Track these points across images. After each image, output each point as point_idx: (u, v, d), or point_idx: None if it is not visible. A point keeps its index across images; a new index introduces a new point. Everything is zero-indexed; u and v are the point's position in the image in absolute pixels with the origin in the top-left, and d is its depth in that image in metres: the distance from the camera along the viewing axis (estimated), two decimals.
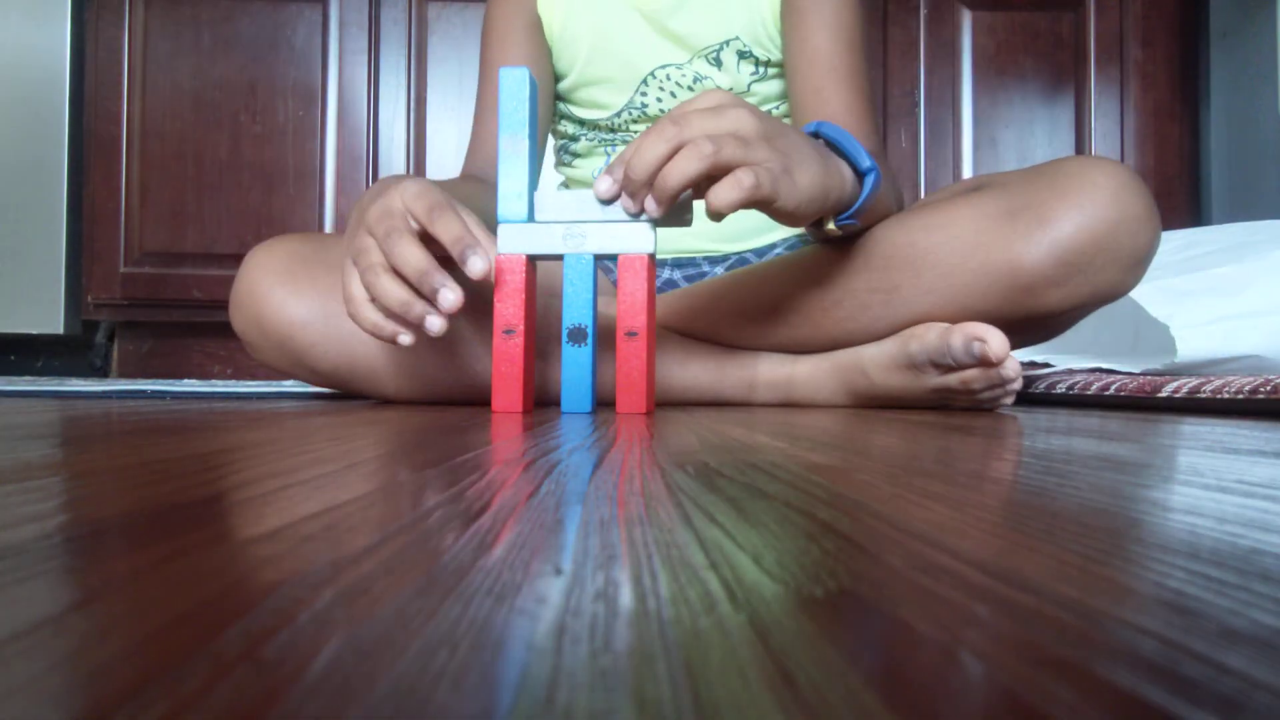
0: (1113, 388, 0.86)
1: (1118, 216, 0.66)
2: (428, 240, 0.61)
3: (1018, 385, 0.70)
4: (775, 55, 0.89)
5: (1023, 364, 1.10)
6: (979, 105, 1.76)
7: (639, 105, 0.91)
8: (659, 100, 0.91)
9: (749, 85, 0.91)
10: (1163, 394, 0.79)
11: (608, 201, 0.61)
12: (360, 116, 1.74)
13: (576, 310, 0.63)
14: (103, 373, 1.77)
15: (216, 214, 1.72)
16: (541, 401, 0.76)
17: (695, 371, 0.78)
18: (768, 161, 0.55)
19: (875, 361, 0.74)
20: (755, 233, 0.93)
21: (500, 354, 0.63)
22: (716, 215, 0.55)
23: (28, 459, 0.29)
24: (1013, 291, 0.68)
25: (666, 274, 0.93)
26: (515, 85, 0.64)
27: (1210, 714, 0.09)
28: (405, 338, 0.61)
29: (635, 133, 0.93)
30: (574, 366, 0.63)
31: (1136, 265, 0.68)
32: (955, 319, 0.70)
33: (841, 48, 0.82)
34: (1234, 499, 0.23)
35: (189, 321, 1.74)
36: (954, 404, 0.72)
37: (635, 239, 0.63)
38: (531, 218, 0.64)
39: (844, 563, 0.15)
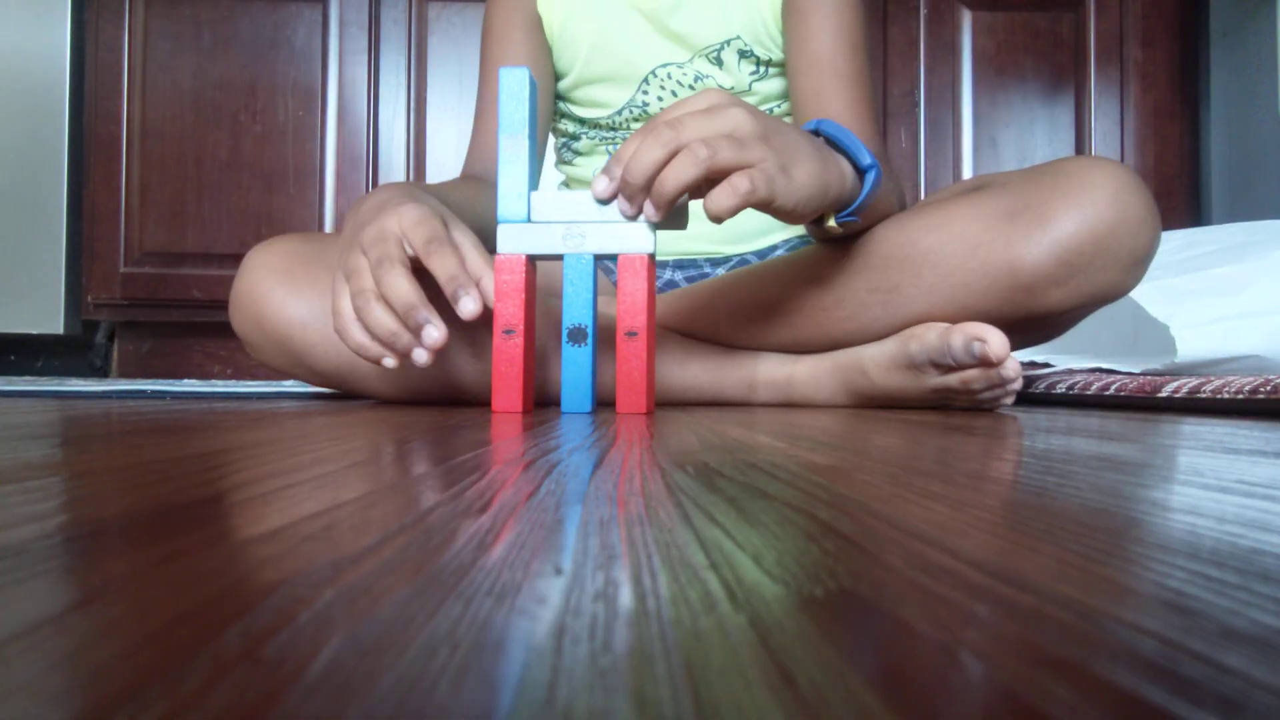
0: (1113, 388, 0.86)
1: (1118, 216, 0.66)
2: (422, 269, 0.61)
3: (1018, 385, 0.70)
4: (776, 55, 0.89)
5: (1023, 364, 1.10)
6: (979, 105, 1.76)
7: (640, 104, 0.92)
8: (660, 99, 0.91)
9: (750, 84, 0.91)
10: (1163, 394, 0.79)
11: (605, 202, 0.61)
12: (360, 116, 1.74)
13: (576, 310, 0.63)
14: (103, 373, 1.77)
15: (216, 214, 1.72)
16: (541, 401, 0.76)
17: (695, 371, 0.78)
18: (764, 161, 0.55)
19: (875, 361, 0.74)
20: (757, 234, 0.93)
21: (500, 354, 0.63)
22: (715, 220, 0.55)
23: (28, 459, 0.29)
24: (1013, 291, 0.68)
25: (668, 275, 0.93)
26: (515, 85, 0.64)
27: (1210, 714, 0.09)
28: (389, 361, 0.62)
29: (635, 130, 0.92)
30: (574, 366, 0.63)
31: (1136, 265, 0.68)
32: (955, 319, 0.70)
33: (843, 49, 0.82)
34: (1234, 499, 0.23)
35: (189, 321, 1.74)
36: (954, 404, 0.72)
37: (635, 239, 0.63)
38: (531, 218, 0.64)
39: (844, 563, 0.15)
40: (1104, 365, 1.01)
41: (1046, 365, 1.10)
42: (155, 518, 0.19)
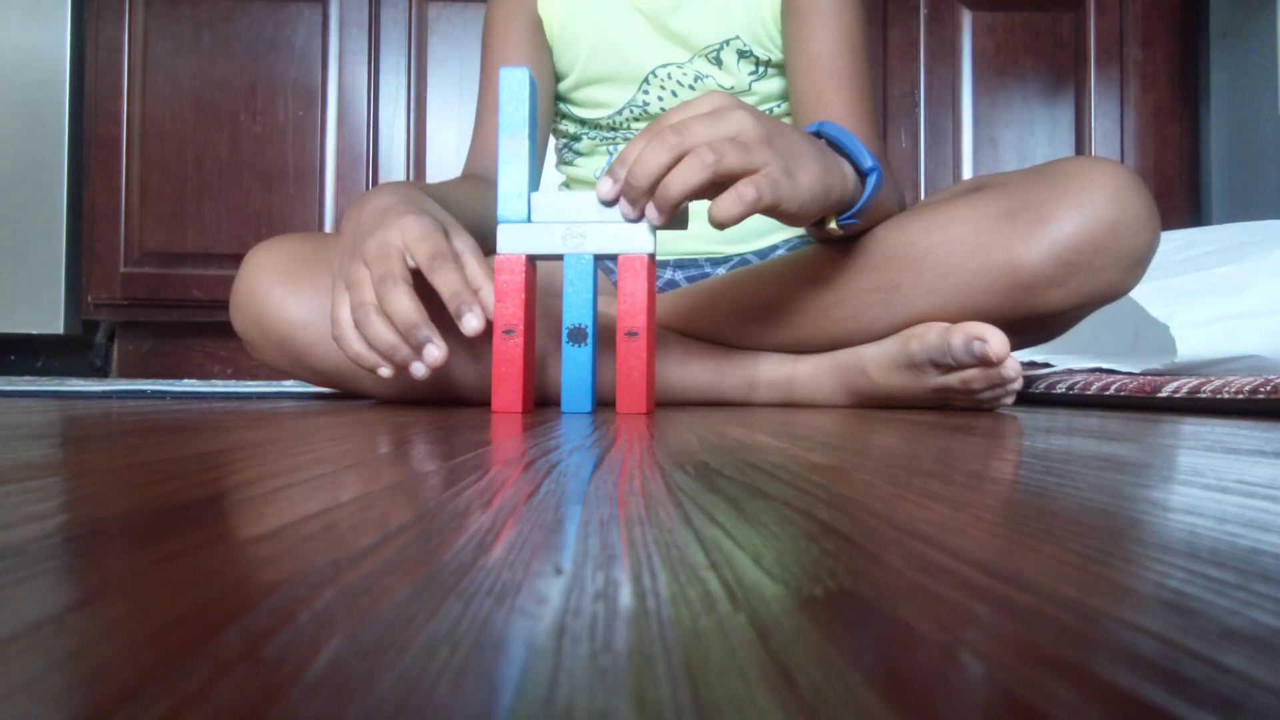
0: (1113, 388, 0.86)
1: (1118, 216, 0.66)
2: (424, 280, 0.61)
3: (1018, 385, 0.70)
4: (775, 55, 0.89)
5: (1023, 364, 1.10)
6: (979, 105, 1.76)
7: (640, 104, 0.92)
8: (660, 99, 0.91)
9: (749, 84, 0.91)
10: (1163, 394, 0.79)
11: (609, 203, 0.61)
12: (360, 116, 1.74)
13: (576, 310, 0.63)
14: (103, 373, 1.77)
15: (216, 214, 1.72)
16: (541, 401, 0.76)
17: (695, 371, 0.78)
18: (769, 165, 0.55)
19: (875, 361, 0.74)
20: (757, 235, 0.93)
21: (500, 354, 0.63)
22: (720, 227, 0.55)
23: (28, 459, 0.29)
24: (1013, 291, 0.68)
25: (669, 275, 0.93)
26: (515, 85, 0.65)
27: (1210, 714, 0.09)
28: (385, 371, 0.62)
29: (636, 132, 0.92)
30: (574, 366, 0.63)
31: (1136, 265, 0.68)
32: (956, 319, 0.70)
33: (843, 50, 0.82)
34: (1234, 499, 0.23)
35: (189, 321, 1.74)
36: (954, 404, 0.72)
37: (635, 239, 0.63)
38: (531, 218, 0.64)
39: (844, 562, 0.15)
40: (1104, 365, 1.01)
41: (1046, 365, 1.10)
42: (155, 518, 0.19)
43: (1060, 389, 0.93)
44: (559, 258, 0.64)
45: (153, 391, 0.92)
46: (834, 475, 0.27)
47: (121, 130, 1.71)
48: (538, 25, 0.92)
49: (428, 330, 0.60)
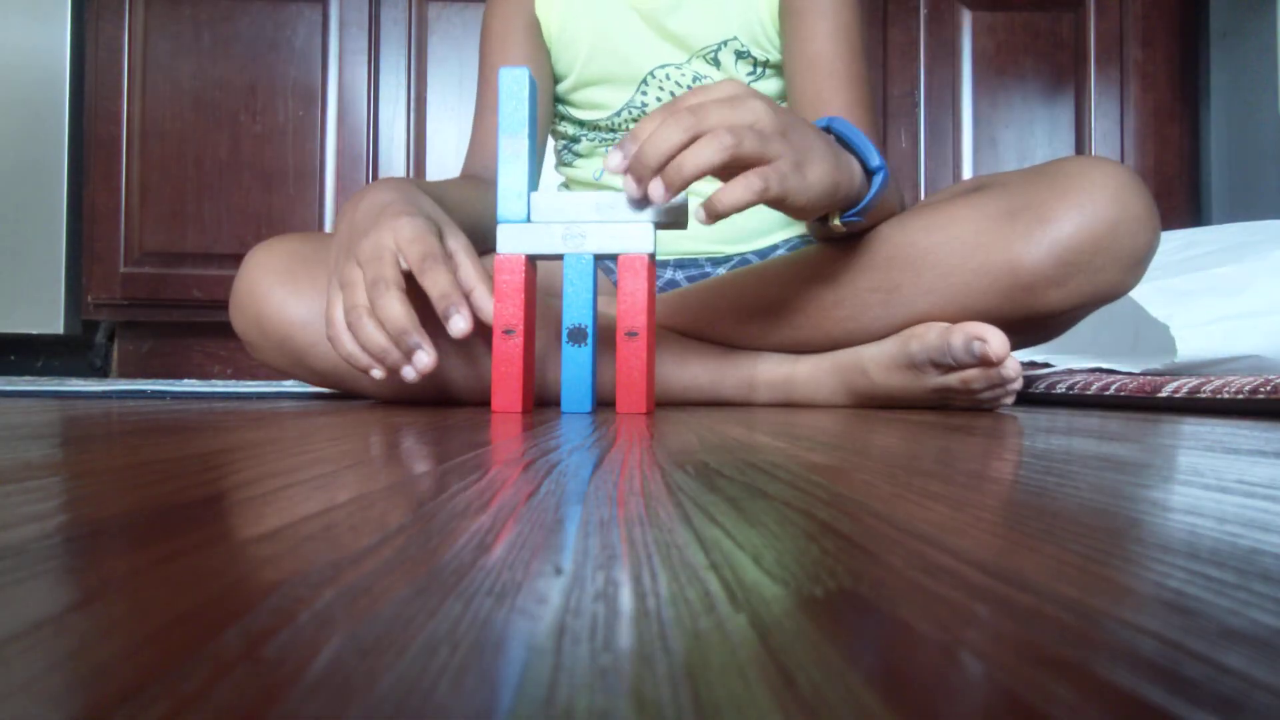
0: (1113, 388, 0.86)
1: (1118, 216, 0.66)
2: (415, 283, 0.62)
3: (1018, 385, 0.70)
4: (774, 56, 0.90)
5: (1023, 364, 1.10)
6: (979, 105, 1.76)
7: (639, 105, 0.92)
8: (659, 100, 0.91)
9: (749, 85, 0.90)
10: (1163, 394, 0.79)
11: (619, 173, 0.59)
12: (360, 116, 1.74)
13: (576, 310, 0.63)
14: (103, 373, 1.77)
15: (216, 214, 1.72)
16: (541, 401, 0.76)
17: (695, 371, 0.78)
18: (782, 158, 0.56)
19: (875, 361, 0.74)
20: (757, 234, 0.94)
21: (500, 354, 0.63)
22: (714, 216, 0.55)
23: (28, 459, 0.29)
24: (1013, 291, 0.68)
25: (669, 274, 0.93)
26: (515, 85, 0.65)
27: (1210, 714, 0.09)
28: (378, 372, 0.62)
29: None
30: (574, 366, 0.63)
31: (1136, 265, 0.68)
32: (956, 319, 0.70)
33: (842, 50, 0.82)
34: (1234, 499, 0.23)
35: (189, 321, 1.74)
36: (954, 404, 0.72)
37: (635, 239, 0.63)
38: (531, 218, 0.64)
39: (844, 563, 0.15)
40: (1104, 365, 1.01)
41: (1046, 365, 1.10)
42: (155, 518, 0.19)
43: (1060, 389, 0.93)
44: (559, 258, 0.64)
45: (153, 391, 0.92)
46: (834, 475, 0.27)
47: (121, 130, 1.71)
48: (535, 26, 0.93)
49: (418, 336, 0.60)
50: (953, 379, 0.69)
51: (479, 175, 0.90)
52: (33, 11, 1.67)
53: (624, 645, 0.11)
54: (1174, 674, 0.10)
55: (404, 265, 0.61)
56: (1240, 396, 0.71)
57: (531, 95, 0.65)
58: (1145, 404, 0.82)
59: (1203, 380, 0.79)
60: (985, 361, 0.67)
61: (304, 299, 0.72)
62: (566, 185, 1.02)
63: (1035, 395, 0.96)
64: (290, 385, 1.09)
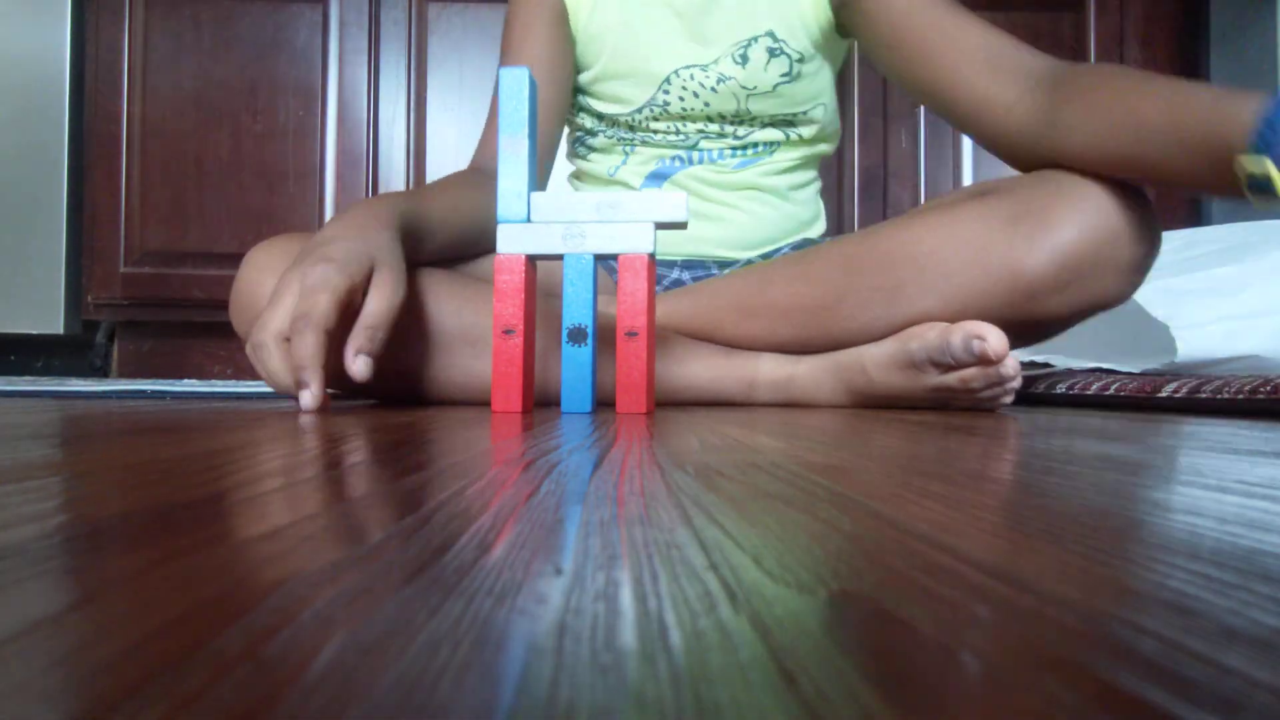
0: (1113, 388, 0.86)
1: (1119, 224, 0.66)
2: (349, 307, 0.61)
3: (1017, 384, 0.70)
4: (809, 50, 0.89)
5: (1023, 364, 1.11)
6: None
7: (660, 103, 0.92)
8: (681, 99, 0.91)
9: (774, 87, 0.90)
10: (1163, 394, 0.79)
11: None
12: (360, 116, 1.74)
13: (576, 310, 0.63)
14: (103, 373, 1.77)
15: (216, 214, 1.72)
16: (541, 401, 0.76)
17: (695, 371, 0.78)
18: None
19: (875, 361, 0.74)
20: (767, 242, 0.94)
21: (500, 354, 0.63)
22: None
23: (28, 459, 0.29)
24: (1014, 295, 0.69)
25: (675, 274, 0.94)
26: (515, 85, 0.65)
27: (1210, 714, 0.09)
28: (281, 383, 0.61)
29: (655, 131, 0.93)
30: (574, 366, 0.63)
31: (1136, 274, 0.68)
32: (956, 320, 0.70)
33: (940, 5, 0.81)
34: (1234, 499, 0.23)
35: (189, 321, 1.74)
36: (954, 403, 0.72)
37: (635, 239, 0.63)
38: (531, 218, 0.64)
39: (845, 563, 0.15)
40: (1104, 365, 1.01)
41: (1046, 365, 1.10)
42: (155, 518, 0.19)
43: (1060, 389, 0.93)
44: (559, 258, 0.64)
45: (153, 391, 0.92)
46: (834, 475, 0.27)
47: (122, 130, 1.71)
48: (563, 17, 0.92)
49: (310, 376, 0.58)
50: (952, 378, 0.69)
51: (487, 167, 0.90)
52: (33, 11, 1.67)
53: (625, 645, 0.11)
54: (1174, 674, 0.10)
55: (335, 296, 0.60)
56: (1240, 396, 0.71)
57: (532, 95, 0.65)
58: (1145, 404, 0.82)
59: (1203, 380, 0.79)
60: (984, 360, 0.67)
61: None
62: (577, 176, 1.02)
63: (1035, 395, 0.96)
64: None
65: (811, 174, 0.98)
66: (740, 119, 0.92)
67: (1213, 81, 1.72)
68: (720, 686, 0.09)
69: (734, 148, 0.93)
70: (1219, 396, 0.73)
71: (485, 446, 0.36)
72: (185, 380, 1.44)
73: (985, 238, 0.69)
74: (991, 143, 0.78)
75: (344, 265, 0.61)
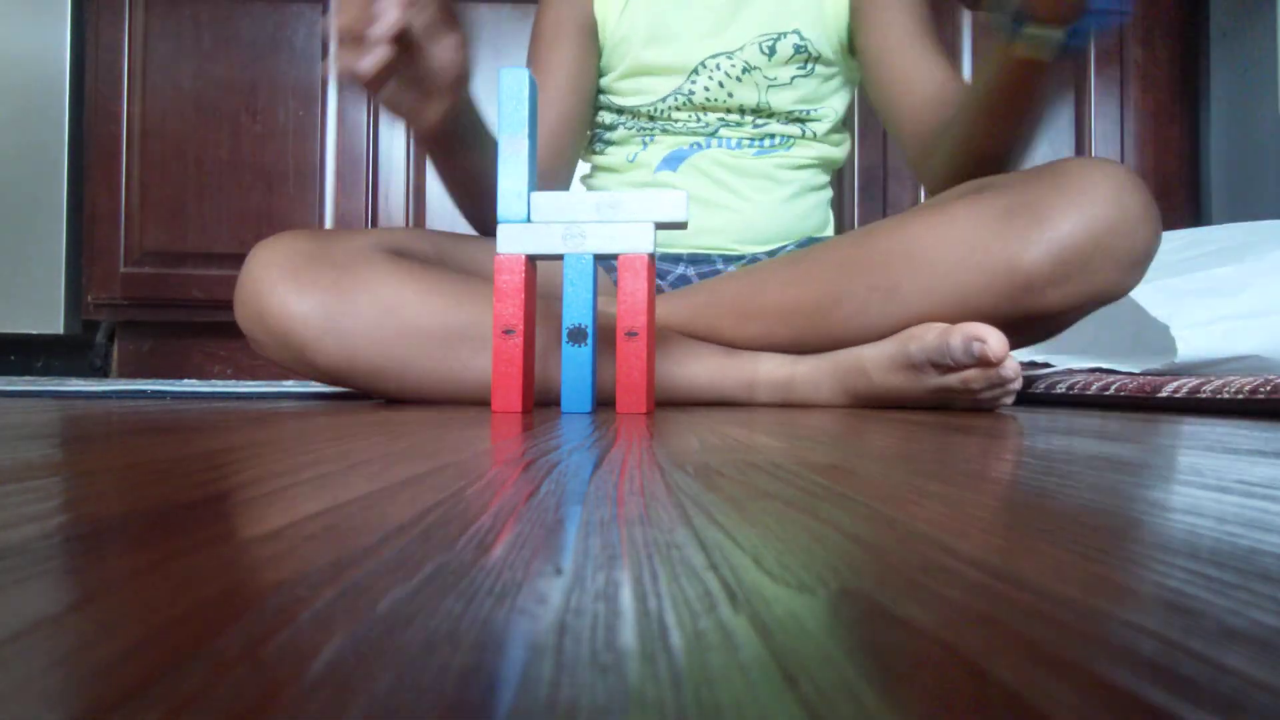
0: (1113, 388, 0.86)
1: (1116, 216, 0.66)
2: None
3: (1017, 385, 0.70)
4: (827, 52, 0.93)
5: (1023, 364, 1.11)
6: None
7: (686, 92, 0.94)
8: (706, 89, 0.93)
9: (791, 79, 0.94)
10: (1163, 394, 0.79)
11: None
12: (360, 116, 1.74)
13: (576, 310, 0.63)
14: (103, 373, 1.77)
15: (216, 214, 1.72)
16: (541, 401, 0.76)
17: (696, 371, 0.79)
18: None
19: (875, 362, 0.74)
20: (774, 238, 0.95)
21: (500, 354, 0.63)
22: None
23: (28, 459, 0.29)
24: (1011, 290, 0.68)
25: (680, 269, 0.94)
26: (515, 85, 0.65)
27: (1210, 714, 0.09)
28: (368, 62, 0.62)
29: (676, 120, 0.95)
30: (574, 366, 0.63)
31: (1135, 266, 0.68)
32: (955, 318, 0.70)
33: (923, 28, 0.89)
34: (1234, 499, 0.23)
35: (189, 321, 1.74)
36: (954, 405, 0.72)
37: (635, 239, 0.63)
38: (531, 218, 0.64)
39: (844, 562, 0.15)
40: (1104, 365, 1.01)
41: (1046, 365, 1.10)
42: (155, 518, 0.19)
43: (1060, 389, 0.93)
44: (559, 258, 0.64)
45: (153, 391, 0.92)
46: (834, 475, 0.27)
47: (121, 130, 1.71)
48: (590, 27, 0.95)
49: (382, 44, 0.61)
50: (952, 379, 0.69)
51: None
52: (33, 11, 1.67)
53: (625, 645, 0.11)
54: (1174, 674, 0.10)
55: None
56: (1240, 396, 0.71)
57: (532, 95, 0.65)
58: (1145, 404, 0.82)
59: (1203, 380, 0.79)
60: (984, 362, 0.67)
61: (306, 295, 0.73)
62: (591, 175, 1.02)
63: (1035, 395, 0.96)
64: (290, 385, 1.09)
65: (824, 179, 0.99)
66: (760, 110, 0.94)
67: (1213, 81, 1.72)
68: (720, 687, 0.09)
69: (752, 137, 0.95)
70: (1219, 396, 0.74)
71: (485, 446, 0.36)
72: (185, 380, 1.44)
73: (981, 234, 0.69)
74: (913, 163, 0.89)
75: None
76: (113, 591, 0.13)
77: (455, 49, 0.66)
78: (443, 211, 1.72)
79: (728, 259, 0.94)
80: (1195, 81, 1.76)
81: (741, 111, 0.94)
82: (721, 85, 0.93)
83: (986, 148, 0.78)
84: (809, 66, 0.93)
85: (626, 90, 0.95)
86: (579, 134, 0.96)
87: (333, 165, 1.73)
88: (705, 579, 0.14)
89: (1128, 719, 0.09)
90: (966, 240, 0.69)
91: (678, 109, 0.94)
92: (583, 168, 1.05)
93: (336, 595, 0.13)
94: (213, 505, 0.21)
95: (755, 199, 0.95)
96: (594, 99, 0.97)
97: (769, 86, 0.93)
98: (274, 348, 0.75)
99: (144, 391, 0.92)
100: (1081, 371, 1.00)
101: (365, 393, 0.78)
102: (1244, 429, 0.52)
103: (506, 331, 0.63)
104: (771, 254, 0.94)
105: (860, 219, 1.74)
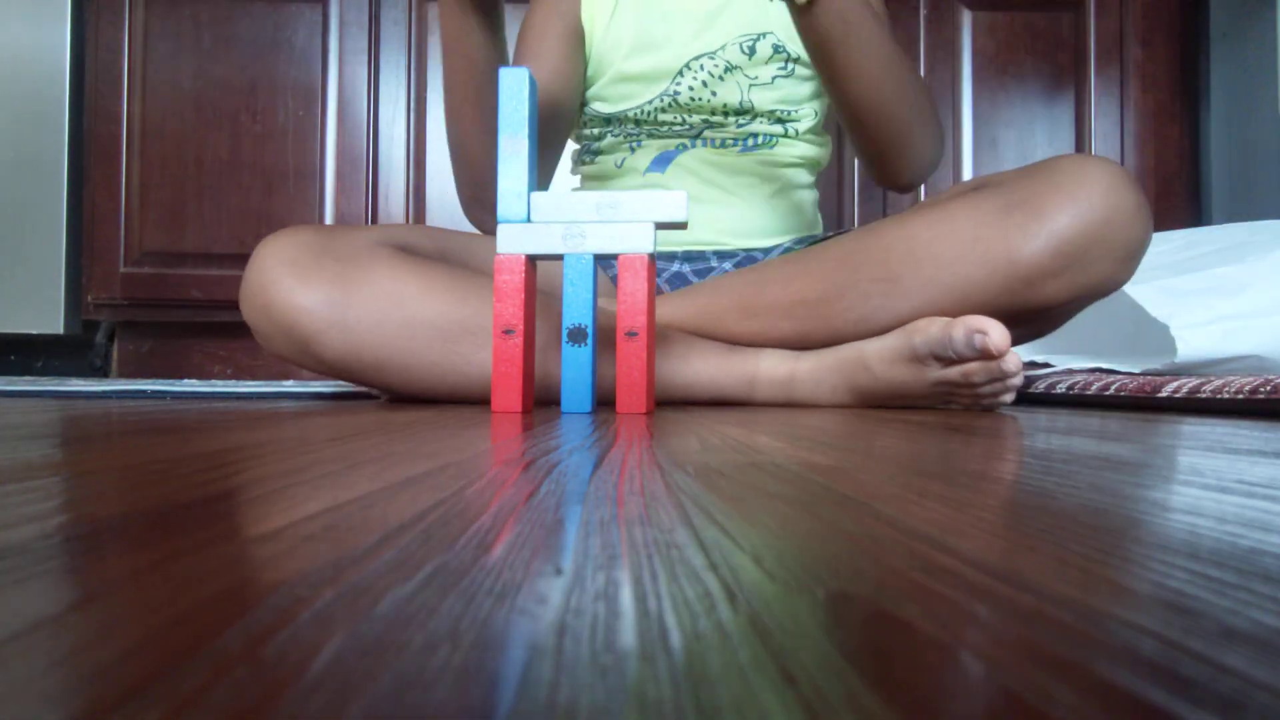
0: (1113, 388, 0.86)
1: (1110, 210, 0.68)
2: None
3: (1018, 380, 0.70)
4: (805, 55, 0.93)
5: (1023, 363, 1.11)
6: (979, 105, 1.76)
7: (671, 94, 0.94)
8: (690, 90, 0.94)
9: (772, 79, 0.94)
10: (1163, 394, 0.79)
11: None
12: (360, 116, 1.74)
13: (576, 310, 0.63)
14: (103, 373, 1.77)
15: (216, 214, 1.72)
16: (541, 401, 0.76)
17: (697, 368, 0.79)
18: None
19: (878, 355, 0.74)
20: (765, 233, 0.96)
21: (500, 354, 0.63)
22: None
23: (28, 459, 0.29)
24: (1011, 282, 0.70)
25: (675, 267, 0.94)
26: (515, 85, 0.65)
27: (1210, 714, 0.09)
28: None
29: (662, 123, 0.96)
30: (574, 366, 0.63)
31: (1129, 259, 0.70)
32: (956, 312, 0.71)
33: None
34: (1234, 499, 0.23)
35: (189, 321, 1.74)
36: (956, 399, 0.73)
37: (635, 239, 0.63)
38: (531, 218, 0.64)
39: (844, 563, 0.15)
40: (1104, 365, 1.01)
41: (1046, 365, 1.10)
42: (155, 518, 0.19)
43: (1060, 389, 0.93)
44: (559, 258, 0.64)
45: (153, 391, 0.92)
46: (834, 475, 0.27)
47: (121, 130, 1.71)
48: (577, 34, 0.95)
49: None
50: (954, 372, 0.70)
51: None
52: (33, 11, 1.67)
53: (625, 645, 0.11)
54: (1174, 674, 0.10)
55: None
56: (1240, 396, 0.71)
57: (532, 95, 0.65)
58: (1145, 404, 0.82)
59: (1203, 380, 0.79)
60: (986, 354, 0.67)
61: (311, 286, 0.73)
62: (582, 186, 1.03)
63: (1035, 395, 0.96)
64: (290, 385, 1.09)
65: (809, 179, 1.01)
66: (743, 110, 0.95)
67: (1213, 81, 1.72)
68: (720, 687, 0.09)
69: (736, 137, 0.96)
70: (1219, 396, 0.74)
71: (485, 446, 0.36)
72: (185, 380, 1.44)
73: (980, 228, 0.71)
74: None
75: None
76: (113, 591, 0.13)
77: None
78: (443, 212, 1.72)
79: (721, 255, 0.94)
80: (1195, 81, 1.76)
81: (725, 112, 0.95)
82: (705, 85, 0.94)
83: (867, 121, 0.82)
84: (789, 67, 0.94)
85: (613, 96, 0.96)
86: (565, 136, 0.97)
87: (333, 165, 1.73)
88: (705, 579, 0.14)
89: (1127, 719, 0.09)
90: (967, 234, 0.71)
91: (663, 110, 0.95)
92: (573, 181, 1.06)
93: (336, 595, 0.13)
94: (213, 505, 0.21)
95: (743, 195, 0.96)
96: (579, 95, 0.97)
97: (751, 86, 0.94)
98: (279, 340, 0.75)
99: (144, 391, 0.92)
100: (1081, 371, 1.00)
101: (369, 386, 0.78)
102: (1244, 429, 0.52)
103: (506, 331, 0.63)
104: (766, 251, 0.95)
105: (860, 219, 1.74)
